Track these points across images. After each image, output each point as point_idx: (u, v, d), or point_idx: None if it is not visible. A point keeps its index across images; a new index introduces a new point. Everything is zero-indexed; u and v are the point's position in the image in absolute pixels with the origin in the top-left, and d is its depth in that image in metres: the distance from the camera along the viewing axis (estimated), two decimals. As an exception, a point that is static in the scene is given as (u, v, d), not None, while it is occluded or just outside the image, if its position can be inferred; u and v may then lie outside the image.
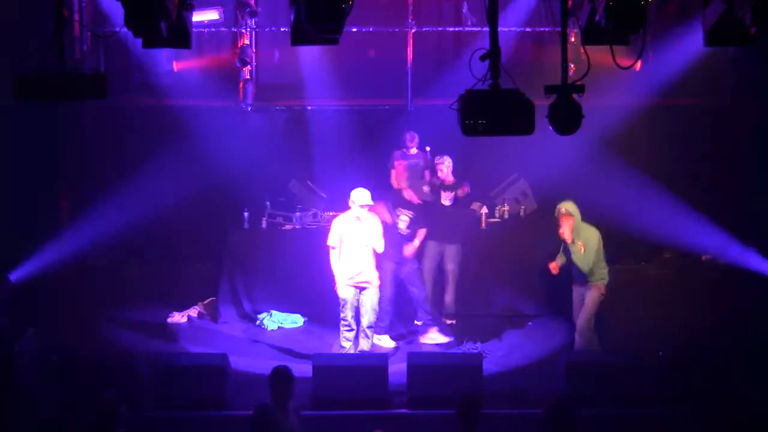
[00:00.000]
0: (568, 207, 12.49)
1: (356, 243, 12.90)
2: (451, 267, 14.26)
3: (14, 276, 13.61)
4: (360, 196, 12.85)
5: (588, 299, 12.52)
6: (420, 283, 13.86)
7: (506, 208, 15.28)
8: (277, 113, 16.48)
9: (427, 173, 15.08)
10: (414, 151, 15.23)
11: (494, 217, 15.27)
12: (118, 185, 14.75)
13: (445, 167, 14.24)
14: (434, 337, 13.66)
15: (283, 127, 16.30)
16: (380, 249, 12.84)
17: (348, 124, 16.02)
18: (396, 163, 15.04)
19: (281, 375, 9.43)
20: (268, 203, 15.43)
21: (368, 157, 15.56)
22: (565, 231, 12.46)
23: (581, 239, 12.44)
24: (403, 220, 13.73)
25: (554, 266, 12.76)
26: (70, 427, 10.54)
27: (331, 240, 12.92)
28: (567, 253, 12.64)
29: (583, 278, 12.57)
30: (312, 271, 14.10)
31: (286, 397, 9.34)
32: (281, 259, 14.80)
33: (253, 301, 14.89)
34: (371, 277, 12.92)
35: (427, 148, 15.04)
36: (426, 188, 14.10)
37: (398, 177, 14.56)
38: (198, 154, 15.02)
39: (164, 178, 14.63)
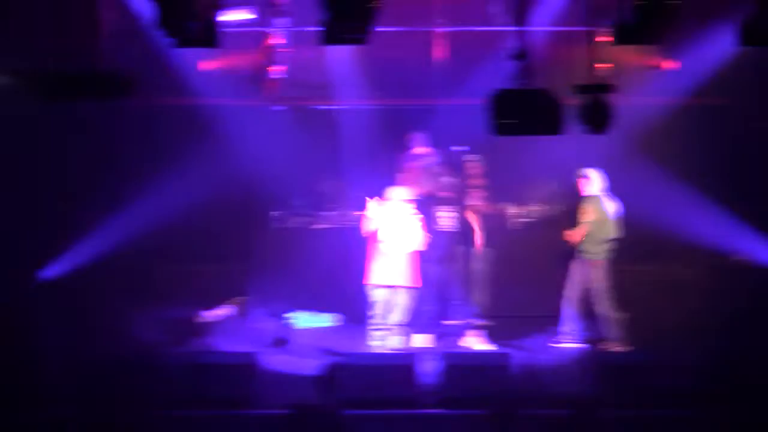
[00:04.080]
0: (588, 171, 12.95)
1: (391, 240, 12.96)
2: (480, 267, 14.26)
3: (45, 274, 13.79)
4: (399, 192, 12.98)
5: (590, 276, 13.00)
6: (458, 283, 13.90)
7: (536, 208, 15.39)
8: (305, 113, 16.65)
9: (438, 170, 14.92)
10: (422, 149, 15.22)
11: (524, 218, 15.47)
12: (147, 184, 14.89)
13: (474, 168, 14.34)
14: (473, 343, 13.68)
15: (311, 126, 16.40)
16: (414, 247, 12.88)
17: (376, 123, 16.14)
18: (407, 166, 15.19)
19: (324, 372, 9.43)
20: (296, 202, 15.78)
21: (397, 156, 15.58)
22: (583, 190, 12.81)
23: (593, 204, 12.75)
24: (445, 217, 13.73)
25: (569, 235, 13.09)
26: (95, 427, 10.65)
27: (370, 225, 12.94)
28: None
29: (584, 255, 12.96)
30: (341, 270, 14.34)
31: (327, 395, 9.46)
32: (310, 258, 14.96)
33: (282, 299, 15.04)
34: (404, 276, 12.95)
35: (456, 148, 14.91)
36: (450, 185, 14.06)
37: (411, 179, 14.68)
38: (226, 154, 15.21)
39: (192, 177, 14.77)
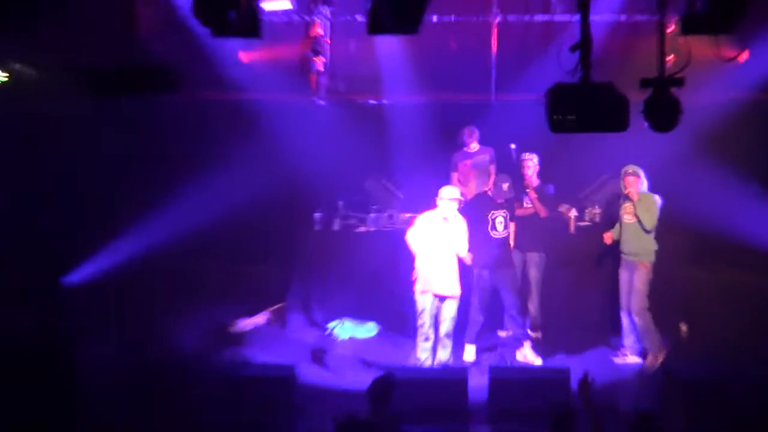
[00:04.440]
0: (635, 168, 12.85)
1: (439, 246, 12.52)
2: (534, 274, 13.75)
3: (81, 276, 13.59)
4: (449, 191, 12.51)
5: (636, 280, 12.82)
6: (513, 290, 13.33)
7: (597, 211, 14.70)
8: (352, 108, 16.03)
9: (492, 168, 14.52)
10: (475, 146, 14.76)
11: (584, 221, 14.70)
12: (187, 183, 14.48)
13: (531, 167, 13.76)
14: (526, 355, 13.25)
15: (357, 122, 15.68)
16: (463, 253, 12.42)
17: (427, 119, 15.50)
18: (459, 164, 14.70)
19: (383, 381, 9.09)
20: (341, 203, 15.18)
21: (449, 155, 15.15)
22: (632, 191, 12.78)
23: (644, 205, 12.74)
24: (499, 221, 13.20)
25: (608, 236, 13.12)
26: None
27: (413, 237, 12.52)
28: (623, 227, 12.99)
29: (631, 257, 12.87)
30: (387, 277, 13.91)
31: (385, 406, 9.02)
32: (354, 264, 14.46)
33: (324, 307, 14.64)
34: (453, 284, 12.54)
35: (512, 146, 14.45)
36: (505, 185, 13.18)
37: (464, 178, 14.34)
38: (268, 150, 14.66)
39: (233, 175, 14.39)
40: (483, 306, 13.14)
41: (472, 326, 13.12)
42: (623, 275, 13.06)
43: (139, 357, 12.31)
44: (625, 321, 13.12)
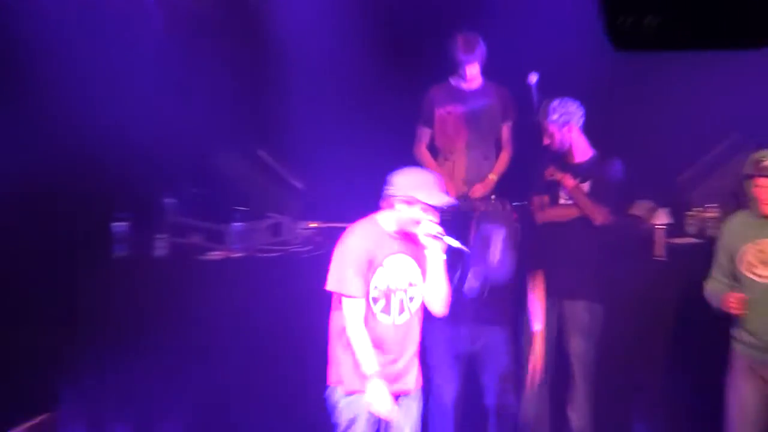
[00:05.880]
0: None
1: (396, 289, 7.66)
2: (578, 346, 8.96)
3: None
4: (420, 180, 7.58)
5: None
6: (509, 373, 9.18)
7: (713, 213, 9.74)
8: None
9: (505, 129, 9.93)
10: (476, 76, 9.90)
11: (686, 235, 9.76)
12: None
13: (559, 122, 8.99)
14: None
15: (212, 28, 10.53)
16: (439, 308, 7.61)
17: (363, 21, 10.59)
18: (439, 112, 10.05)
19: None
20: (169, 201, 10.00)
21: (414, 96, 10.11)
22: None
23: None
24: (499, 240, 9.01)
25: (735, 301, 8.04)
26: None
27: (349, 280, 7.55)
28: (750, 286, 8.22)
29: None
30: (271, 360, 9.37)
31: None
32: (199, 332, 9.37)
33: (129, 417, 9.86)
34: (413, 370, 7.84)
35: (533, 78, 9.39)
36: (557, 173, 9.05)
37: (446, 144, 9.99)
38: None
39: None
40: (455, 403, 9.28)
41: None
42: (748, 390, 8.35)
43: None
44: None
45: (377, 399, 7.18)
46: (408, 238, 7.24)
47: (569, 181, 8.63)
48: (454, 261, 7.97)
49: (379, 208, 7.34)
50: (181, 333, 9.09)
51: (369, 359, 7.09)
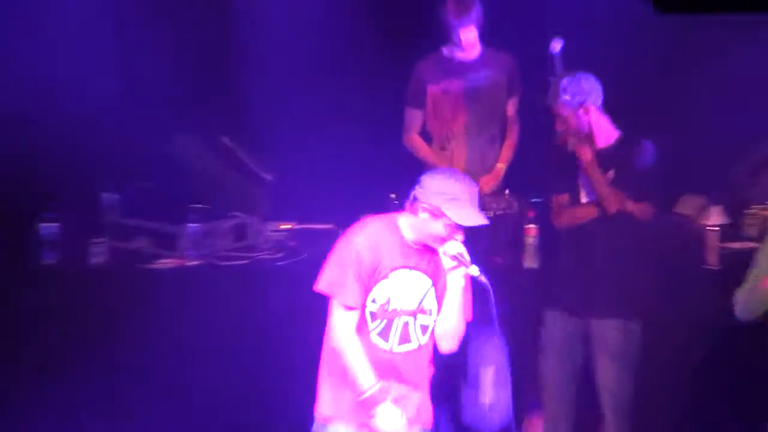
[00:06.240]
0: None
1: (401, 311, 6.63)
2: (609, 375, 7.84)
3: None
4: (448, 191, 6.42)
5: None
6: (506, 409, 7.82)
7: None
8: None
9: (510, 106, 9.07)
10: (473, 43, 9.00)
11: (744, 238, 8.91)
12: None
13: (573, 103, 7.84)
14: None
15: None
16: (446, 344, 6.59)
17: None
18: (432, 89, 9.06)
19: None
20: (109, 197, 8.90)
21: (402, 69, 9.14)
22: None
23: None
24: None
25: None
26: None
27: (345, 284, 6.54)
28: None
29: None
30: (229, 379, 8.15)
31: None
32: (140, 351, 8.29)
33: None
34: (425, 403, 6.77)
35: (557, 45, 8.43)
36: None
37: (440, 129, 9.04)
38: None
39: None
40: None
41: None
42: None
43: None
44: None
45: (388, 424, 6.39)
46: (429, 254, 6.45)
47: (586, 152, 7.57)
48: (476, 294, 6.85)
49: (402, 208, 6.47)
50: (122, 357, 7.95)
51: (365, 372, 6.24)
